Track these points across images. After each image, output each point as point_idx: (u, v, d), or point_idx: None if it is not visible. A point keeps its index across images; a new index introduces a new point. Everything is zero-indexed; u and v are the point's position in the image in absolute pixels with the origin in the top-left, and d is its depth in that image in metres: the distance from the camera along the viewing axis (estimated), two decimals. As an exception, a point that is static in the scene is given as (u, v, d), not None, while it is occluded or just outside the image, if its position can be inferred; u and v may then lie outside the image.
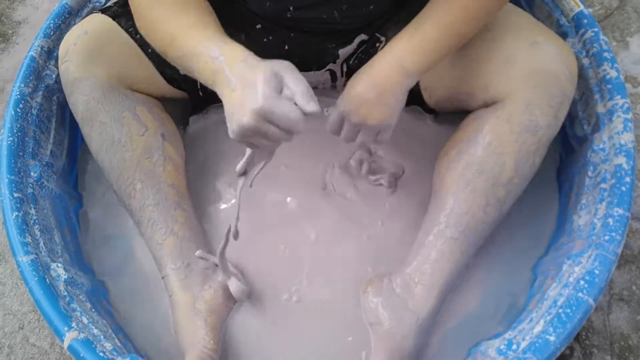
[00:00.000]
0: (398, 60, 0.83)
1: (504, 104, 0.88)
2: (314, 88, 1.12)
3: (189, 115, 1.12)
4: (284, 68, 0.71)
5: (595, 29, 0.99)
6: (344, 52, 1.02)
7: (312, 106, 0.69)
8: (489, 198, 0.89)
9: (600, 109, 0.96)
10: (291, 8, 0.91)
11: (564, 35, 1.04)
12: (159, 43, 0.83)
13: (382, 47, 0.94)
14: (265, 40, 1.00)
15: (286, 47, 1.01)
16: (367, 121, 0.86)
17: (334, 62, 1.05)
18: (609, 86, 0.95)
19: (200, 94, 1.06)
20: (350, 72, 1.08)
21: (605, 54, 0.97)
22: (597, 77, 0.97)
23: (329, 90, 1.13)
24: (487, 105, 0.92)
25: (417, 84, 1.01)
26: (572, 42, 1.02)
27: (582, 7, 1.02)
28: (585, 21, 1.01)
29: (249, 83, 0.70)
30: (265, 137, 0.72)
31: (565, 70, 0.88)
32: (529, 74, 0.87)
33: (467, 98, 0.95)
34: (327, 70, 1.07)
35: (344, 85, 1.05)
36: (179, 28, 0.79)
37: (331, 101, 1.11)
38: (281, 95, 0.70)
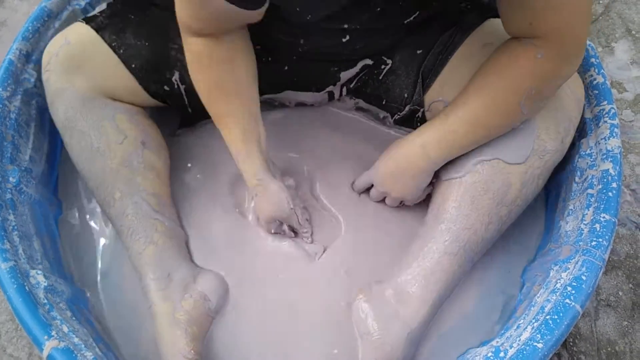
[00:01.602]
0: (423, 148, 0.89)
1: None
2: (310, 105, 1.11)
3: (178, 127, 1.11)
4: (283, 215, 0.97)
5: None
6: (345, 74, 1.02)
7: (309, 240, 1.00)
8: (492, 216, 0.88)
9: (587, 114, 0.96)
10: (302, 42, 0.93)
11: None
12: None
13: (388, 70, 1.01)
14: (264, 60, 0.99)
15: (286, 68, 1.01)
16: (390, 193, 0.99)
17: (334, 85, 1.05)
18: (596, 92, 0.95)
19: (189, 110, 1.05)
20: (348, 92, 1.09)
21: (592, 60, 0.97)
22: (584, 83, 0.97)
23: (325, 105, 1.13)
24: None
25: (422, 111, 1.01)
26: (558, 48, 1.02)
27: (568, 12, 1.02)
28: (572, 27, 1.00)
29: (259, 212, 1.00)
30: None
31: (572, 96, 0.89)
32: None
33: None
34: (326, 92, 1.07)
35: (338, 100, 1.11)
36: (216, 112, 0.93)
37: (325, 108, 1.13)
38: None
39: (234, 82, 0.90)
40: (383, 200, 1.03)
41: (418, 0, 0.84)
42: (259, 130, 0.94)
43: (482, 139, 0.87)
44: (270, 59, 1.00)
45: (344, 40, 0.91)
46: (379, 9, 0.83)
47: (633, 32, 1.39)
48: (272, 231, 1.00)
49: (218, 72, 0.88)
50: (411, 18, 0.87)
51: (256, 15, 0.82)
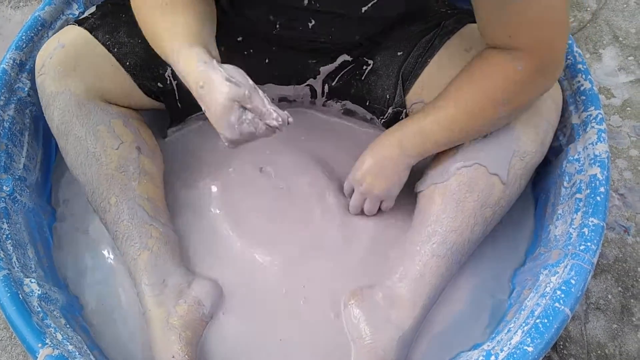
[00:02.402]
0: (399, 140, 0.92)
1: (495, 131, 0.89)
2: (293, 101, 1.12)
3: (168, 126, 1.11)
4: (238, 95, 0.73)
5: (569, 42, 1.00)
6: (325, 69, 1.04)
7: (274, 122, 0.74)
8: (477, 217, 0.89)
9: (575, 119, 0.97)
10: (278, 27, 0.94)
11: (538, 47, 1.05)
12: (146, 36, 0.87)
13: (369, 70, 1.02)
14: (245, 52, 1.00)
15: (266, 60, 1.02)
16: (372, 190, 0.97)
17: (314, 78, 1.06)
18: (583, 97, 0.96)
19: (179, 105, 1.05)
20: (332, 93, 1.09)
21: (579, 66, 0.99)
22: (572, 89, 0.99)
23: (308, 105, 1.13)
24: None
25: (405, 112, 1.03)
26: (546, 54, 1.04)
27: (555, 19, 1.03)
28: (559, 33, 1.02)
29: (212, 116, 0.75)
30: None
31: (549, 100, 0.91)
32: None
33: None
34: (307, 85, 1.07)
35: (324, 105, 1.07)
36: (157, 26, 0.83)
37: (312, 114, 1.13)
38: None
39: (185, 4, 0.83)
40: (362, 212, 1.04)
41: None
42: (209, 40, 0.84)
43: (458, 141, 0.90)
44: (251, 50, 1.01)
45: (310, 25, 0.92)
46: None
47: (620, 39, 1.41)
48: (235, 126, 0.74)
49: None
50: (368, 6, 0.87)
51: None
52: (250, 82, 0.75)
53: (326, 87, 1.08)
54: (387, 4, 0.88)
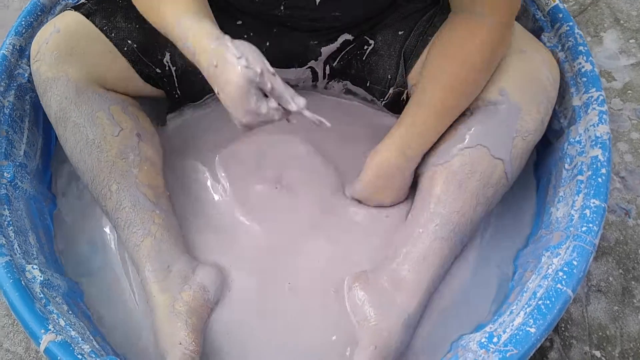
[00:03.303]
0: (400, 149, 0.93)
1: (496, 109, 0.90)
2: (295, 86, 1.12)
3: (166, 113, 1.11)
4: (254, 75, 0.70)
5: (570, 23, 1.00)
6: (326, 49, 1.03)
7: (294, 106, 0.71)
8: (479, 197, 0.90)
9: (576, 101, 0.96)
10: (282, 7, 0.93)
11: (539, 30, 1.05)
12: (142, 10, 0.86)
13: (370, 50, 1.02)
14: (245, 36, 0.99)
15: (268, 44, 1.02)
16: (383, 203, 1.01)
17: (316, 60, 1.05)
18: (584, 79, 0.96)
19: (178, 91, 1.04)
20: (333, 74, 1.09)
21: (580, 48, 0.98)
22: (573, 71, 0.98)
23: (309, 88, 1.13)
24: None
25: (407, 92, 1.02)
26: (547, 37, 1.03)
27: (557, 1, 1.03)
28: (561, 15, 1.02)
29: (226, 99, 0.72)
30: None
31: (549, 76, 0.91)
32: (518, 80, 0.89)
33: None
34: (308, 67, 1.07)
35: (325, 87, 1.07)
36: (167, 14, 0.79)
37: (312, 96, 1.13)
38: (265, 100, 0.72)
39: None
40: None
41: None
42: (211, 14, 0.82)
43: (450, 122, 0.92)
44: (252, 34, 1.00)
45: (317, 2, 0.91)
46: None
47: (621, 22, 1.41)
48: (253, 119, 0.72)
49: None
50: None
51: None
52: (266, 61, 0.71)
53: (327, 68, 1.08)
54: None
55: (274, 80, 0.70)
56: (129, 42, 0.96)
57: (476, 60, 0.86)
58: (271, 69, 0.70)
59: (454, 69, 0.87)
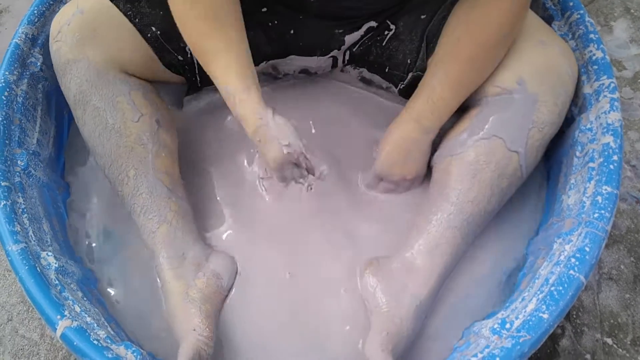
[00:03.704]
0: (417, 121, 0.94)
1: (512, 98, 0.90)
2: (314, 74, 1.11)
3: (182, 97, 1.11)
4: (294, 155, 0.89)
5: (581, 11, 1.00)
6: (350, 38, 1.03)
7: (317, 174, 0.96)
8: (493, 188, 0.90)
9: (587, 89, 0.96)
10: None
11: (550, 18, 1.04)
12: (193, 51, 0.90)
13: (391, 35, 1.02)
14: (270, 24, 0.99)
15: (292, 31, 1.02)
16: (405, 177, 1.00)
17: (339, 49, 1.05)
18: (595, 67, 0.96)
19: (198, 77, 1.04)
20: (352, 59, 1.09)
21: (591, 36, 0.98)
22: (584, 59, 0.98)
23: (326, 73, 1.14)
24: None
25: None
26: (558, 25, 1.03)
27: (567, -11, 1.03)
28: (571, 4, 1.02)
29: (266, 161, 0.92)
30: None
31: (568, 69, 0.91)
32: (536, 71, 0.89)
33: (474, 92, 0.95)
34: (330, 56, 1.07)
35: (342, 71, 1.07)
36: (211, 51, 0.86)
37: (328, 81, 1.15)
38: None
39: (225, 14, 0.86)
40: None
41: None
42: (253, 68, 0.90)
43: (467, 95, 0.92)
44: (276, 22, 1.00)
45: None
46: None
47: (632, 11, 1.40)
48: (286, 178, 0.96)
49: (210, 2, 0.84)
50: None
51: None
52: (301, 143, 0.88)
53: (347, 54, 1.08)
54: None
55: (306, 160, 0.90)
56: (153, 28, 0.95)
57: (495, 40, 0.87)
58: (303, 149, 0.89)
59: (473, 48, 0.87)
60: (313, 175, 0.95)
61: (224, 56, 0.85)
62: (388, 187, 1.03)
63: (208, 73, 0.88)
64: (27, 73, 1.00)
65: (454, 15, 0.92)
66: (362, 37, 1.03)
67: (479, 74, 0.91)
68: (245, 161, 1.07)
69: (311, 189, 0.96)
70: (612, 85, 0.93)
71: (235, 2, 0.87)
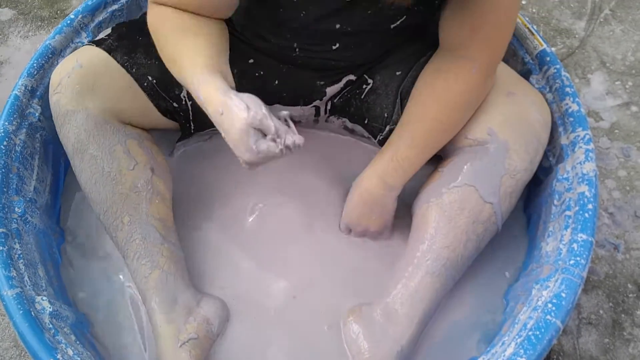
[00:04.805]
0: (381, 178, 0.97)
1: (484, 148, 0.94)
2: (298, 122, 1.15)
3: (176, 141, 1.14)
4: (256, 119, 0.78)
5: (557, 66, 1.05)
6: (331, 90, 1.07)
7: (290, 139, 0.79)
8: (469, 234, 0.93)
9: (564, 140, 1.00)
10: (297, 50, 0.97)
11: (528, 72, 1.09)
12: (164, 60, 0.91)
13: (369, 89, 1.06)
14: (256, 74, 1.03)
15: (276, 82, 1.05)
16: (369, 229, 1.04)
17: (321, 100, 1.09)
18: (571, 119, 1.00)
19: (192, 123, 1.08)
20: (333, 110, 1.13)
21: (567, 89, 1.02)
22: (561, 111, 1.02)
23: (311, 123, 1.17)
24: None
25: None
26: (536, 79, 1.08)
27: (544, 45, 1.08)
28: (548, 59, 1.06)
29: (231, 140, 0.81)
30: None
31: (539, 117, 0.96)
32: (506, 120, 0.94)
33: (447, 143, 0.98)
34: (313, 106, 1.11)
35: (326, 121, 1.11)
36: (177, 52, 0.87)
37: (312, 132, 1.18)
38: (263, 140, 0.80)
39: (194, 26, 0.89)
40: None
41: (405, 6, 0.87)
42: (225, 68, 0.90)
43: (431, 155, 0.96)
44: (262, 72, 1.04)
45: (334, 47, 0.96)
46: (369, 12, 0.87)
47: (607, 65, 1.46)
48: (253, 147, 0.79)
49: (187, 21, 0.88)
50: (397, 23, 0.91)
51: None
52: (264, 108, 0.79)
53: (329, 104, 1.12)
54: (412, 19, 0.91)
55: (270, 121, 0.78)
56: (149, 77, 0.99)
57: (459, 103, 0.92)
58: (268, 113, 0.79)
59: (437, 109, 0.92)
60: (288, 139, 0.79)
61: (192, 55, 0.86)
62: (358, 234, 1.07)
63: (181, 79, 0.88)
64: (26, 123, 1.03)
65: (421, 79, 0.97)
66: (342, 89, 1.07)
67: (444, 134, 0.95)
68: (235, 205, 1.10)
69: (290, 150, 0.80)
70: (587, 136, 0.98)
71: (223, 28, 0.93)
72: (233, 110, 0.78)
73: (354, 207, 1.02)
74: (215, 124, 0.83)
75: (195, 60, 0.85)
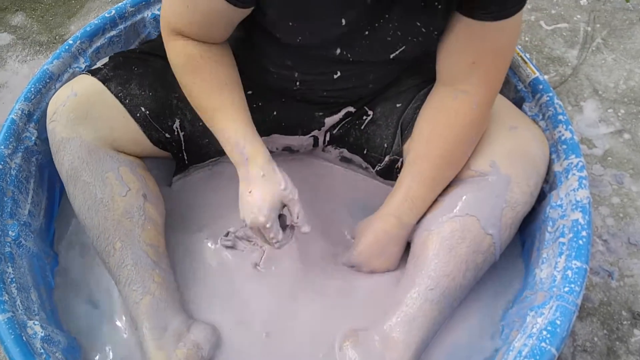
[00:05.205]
0: (397, 217, 0.99)
1: (486, 180, 0.95)
2: (296, 151, 1.16)
3: (172, 172, 1.14)
4: (290, 195, 0.90)
5: (550, 94, 1.06)
6: (329, 120, 1.08)
7: (306, 228, 0.93)
8: (469, 263, 0.93)
9: (557, 167, 1.01)
10: (298, 84, 0.99)
11: (521, 100, 1.10)
12: (196, 109, 0.95)
13: (369, 120, 1.07)
14: (254, 105, 1.04)
15: (275, 113, 1.07)
16: (376, 270, 1.05)
17: (319, 130, 1.10)
18: (564, 146, 1.01)
19: (185, 154, 1.09)
20: (332, 140, 1.14)
21: (560, 117, 1.03)
22: (554, 138, 1.03)
23: (308, 153, 1.18)
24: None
25: (401, 160, 1.07)
26: (529, 106, 1.09)
27: (537, 73, 1.09)
28: (541, 87, 1.08)
29: (257, 199, 0.89)
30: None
31: (539, 152, 0.97)
32: (508, 154, 0.95)
33: None
34: (311, 136, 1.12)
35: (323, 150, 1.12)
36: (212, 106, 0.92)
37: (310, 160, 1.19)
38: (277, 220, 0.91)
39: (226, 77, 0.93)
40: None
41: (403, 35, 0.89)
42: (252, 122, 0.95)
43: (441, 190, 0.98)
44: (260, 103, 1.05)
45: (335, 77, 0.97)
46: (366, 32, 0.87)
47: (600, 93, 1.48)
48: (270, 215, 0.89)
49: (212, 68, 0.91)
50: (397, 52, 0.92)
51: (242, 15, 0.87)
52: (296, 191, 0.91)
53: (327, 135, 1.13)
54: (412, 48, 0.92)
55: (299, 207, 0.91)
56: (142, 108, 1.00)
57: (463, 137, 0.93)
58: (298, 201, 0.91)
59: (442, 146, 0.94)
60: (304, 227, 0.93)
61: (229, 111, 0.91)
62: (363, 272, 1.07)
63: (212, 128, 0.93)
64: (22, 147, 1.04)
65: (422, 116, 0.98)
66: (341, 120, 1.09)
67: (451, 169, 0.96)
68: (229, 235, 1.10)
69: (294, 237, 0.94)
70: (580, 164, 0.98)
71: (234, 69, 0.95)
72: (277, 177, 0.89)
73: (367, 247, 1.03)
74: (245, 180, 0.91)
75: (239, 119, 0.91)
